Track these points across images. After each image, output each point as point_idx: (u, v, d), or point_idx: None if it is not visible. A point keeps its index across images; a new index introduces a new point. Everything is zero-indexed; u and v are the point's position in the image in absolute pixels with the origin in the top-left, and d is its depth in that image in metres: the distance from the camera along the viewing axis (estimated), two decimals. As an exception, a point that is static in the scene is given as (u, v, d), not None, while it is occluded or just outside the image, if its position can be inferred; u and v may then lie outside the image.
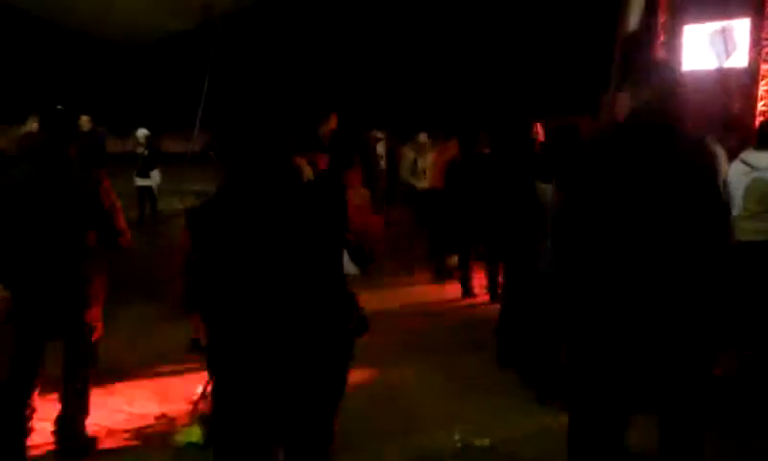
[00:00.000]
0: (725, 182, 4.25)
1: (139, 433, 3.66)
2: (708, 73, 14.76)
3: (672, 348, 2.32)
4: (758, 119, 12.04)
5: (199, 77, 13.44)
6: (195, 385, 3.83)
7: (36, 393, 3.19)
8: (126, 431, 3.66)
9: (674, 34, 15.74)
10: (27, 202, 3.06)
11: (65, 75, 20.63)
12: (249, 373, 2.11)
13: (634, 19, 13.74)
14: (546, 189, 3.98)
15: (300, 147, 2.56)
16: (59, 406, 3.33)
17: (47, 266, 3.08)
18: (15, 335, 3.04)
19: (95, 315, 3.29)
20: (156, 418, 3.83)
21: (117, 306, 3.64)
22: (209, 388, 3.66)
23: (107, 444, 3.51)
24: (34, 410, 3.18)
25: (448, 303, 6.46)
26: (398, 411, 3.94)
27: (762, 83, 13.67)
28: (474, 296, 6.53)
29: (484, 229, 5.55)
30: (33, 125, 8.54)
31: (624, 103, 2.58)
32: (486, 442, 3.53)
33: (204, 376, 3.73)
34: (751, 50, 13.93)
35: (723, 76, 13.49)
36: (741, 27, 14.04)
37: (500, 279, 5.63)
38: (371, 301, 5.63)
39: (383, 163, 11.56)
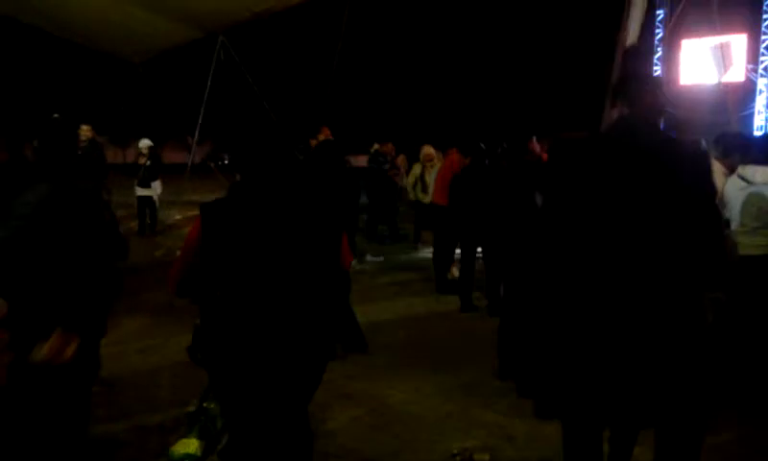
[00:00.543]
0: (722, 197, 4.28)
1: (136, 445, 3.65)
2: (705, 87, 14.84)
3: (656, 357, 2.29)
4: (756, 133, 12.10)
5: (199, 89, 13.50)
6: (192, 396, 3.82)
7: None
8: (122, 443, 3.65)
9: (672, 49, 15.85)
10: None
11: (69, 87, 20.71)
12: (245, 361, 2.34)
13: (633, 35, 13.82)
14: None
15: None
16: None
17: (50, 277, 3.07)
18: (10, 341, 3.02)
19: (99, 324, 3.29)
20: (153, 429, 3.81)
21: (114, 316, 3.63)
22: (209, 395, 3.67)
23: (104, 455, 3.49)
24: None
25: (448, 317, 6.46)
26: (397, 426, 3.93)
27: (759, 97, 13.74)
28: (475, 309, 6.52)
29: (485, 241, 5.56)
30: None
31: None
32: (486, 457, 3.50)
33: (199, 386, 3.74)
34: (747, 65, 14.02)
35: (720, 90, 13.54)
36: (738, 42, 14.13)
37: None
38: (369, 313, 5.68)
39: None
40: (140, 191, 10.82)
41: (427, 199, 8.62)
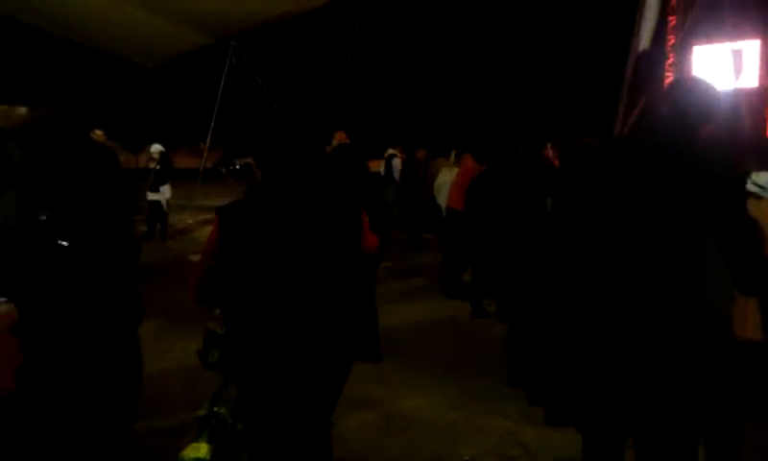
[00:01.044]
0: None
1: (146, 448, 3.65)
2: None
3: (661, 363, 2.27)
4: (770, 140, 11.97)
5: (211, 95, 13.57)
6: (202, 400, 3.83)
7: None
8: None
9: (684, 54, 15.77)
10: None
11: (82, 91, 20.90)
12: (268, 368, 2.30)
13: (645, 40, 13.77)
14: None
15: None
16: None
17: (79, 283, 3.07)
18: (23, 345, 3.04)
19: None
20: (163, 433, 3.82)
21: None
22: (228, 395, 3.67)
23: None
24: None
25: (459, 322, 6.44)
26: (408, 432, 3.91)
27: (773, 103, 13.63)
28: (487, 315, 6.50)
29: (501, 247, 5.53)
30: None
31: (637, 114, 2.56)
32: (496, 464, 3.49)
33: (209, 390, 3.74)
34: (761, 70, 13.91)
35: (733, 96, 13.46)
36: (751, 48, 14.04)
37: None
38: (380, 318, 5.66)
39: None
40: (150, 196, 10.89)
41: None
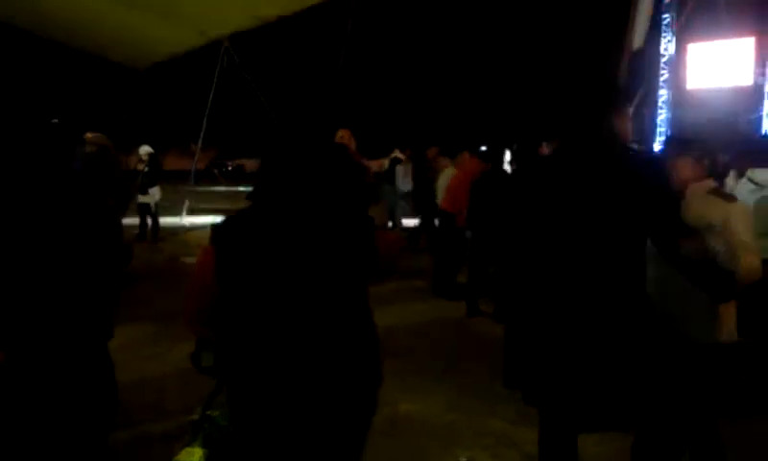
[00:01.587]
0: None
1: (140, 453, 3.61)
2: (712, 91, 14.78)
3: (615, 359, 2.34)
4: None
5: (203, 96, 13.52)
6: (196, 404, 3.78)
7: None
8: (126, 451, 3.61)
9: (679, 52, 15.81)
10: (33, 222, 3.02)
11: (72, 94, 20.82)
12: (266, 395, 1.97)
13: (639, 39, 13.80)
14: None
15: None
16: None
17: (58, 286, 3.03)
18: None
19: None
20: (157, 437, 3.77)
21: (116, 323, 3.60)
22: (214, 402, 3.62)
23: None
24: None
25: (455, 323, 6.41)
26: (405, 433, 3.88)
27: (767, 101, 13.67)
28: (482, 314, 6.47)
29: (499, 247, 5.51)
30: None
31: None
32: (492, 464, 3.46)
33: (204, 394, 3.69)
34: (755, 68, 13.95)
35: (728, 94, 13.52)
36: (746, 45, 14.08)
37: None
38: (376, 319, 5.62)
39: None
40: (139, 198, 10.81)
41: None
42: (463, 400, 4.35)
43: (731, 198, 2.91)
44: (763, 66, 13.79)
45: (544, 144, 4.94)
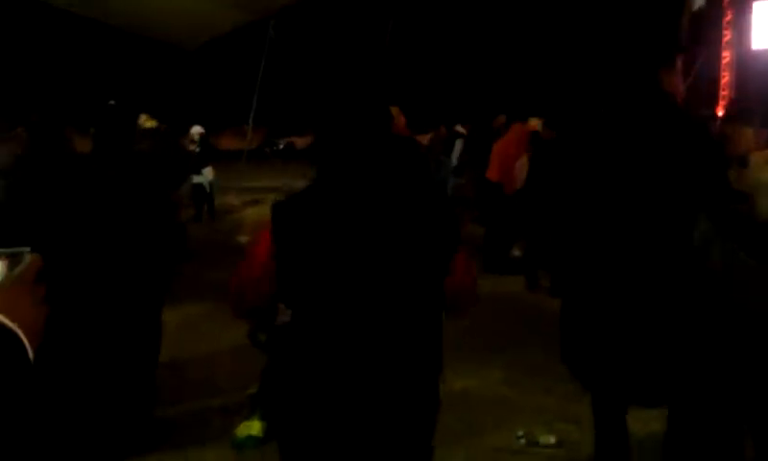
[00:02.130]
0: None
1: (199, 427, 3.69)
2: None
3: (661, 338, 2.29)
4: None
5: (251, 75, 13.63)
6: (253, 379, 3.84)
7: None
8: (185, 425, 3.70)
9: (742, 11, 15.03)
10: (93, 203, 3.09)
11: (127, 76, 21.32)
12: (326, 384, 1.74)
13: (700, -3, 13.18)
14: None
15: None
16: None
17: (116, 260, 3.11)
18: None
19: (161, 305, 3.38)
20: (216, 412, 3.85)
21: (174, 301, 3.69)
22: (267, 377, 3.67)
23: (167, 436, 3.54)
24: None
25: (512, 297, 6.31)
26: (460, 410, 3.84)
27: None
28: (540, 288, 6.35)
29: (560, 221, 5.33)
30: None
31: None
32: (551, 439, 3.41)
33: (259, 370, 3.74)
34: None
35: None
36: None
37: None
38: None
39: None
40: (193, 178, 10.99)
41: None
42: (519, 376, 4.29)
43: None
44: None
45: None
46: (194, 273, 6.84)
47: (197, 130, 11.11)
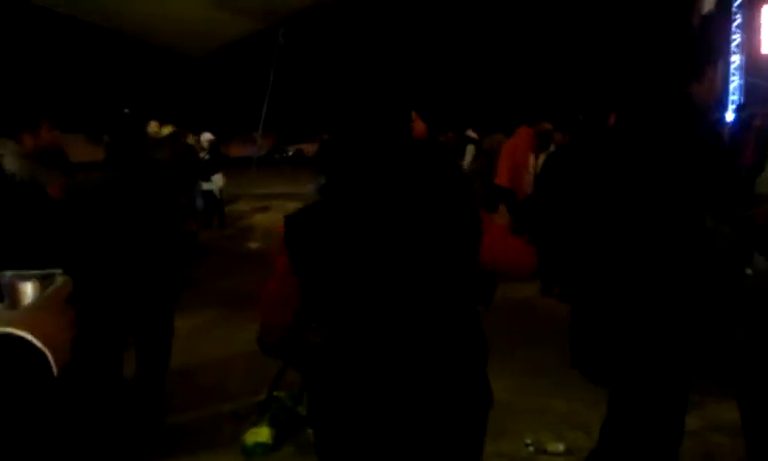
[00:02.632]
0: None
1: (208, 433, 3.71)
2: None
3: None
4: None
5: (263, 81, 13.70)
6: (263, 385, 3.86)
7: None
8: (195, 431, 3.72)
9: (752, 14, 14.95)
10: (103, 202, 3.13)
11: (136, 83, 21.48)
12: (354, 398, 1.70)
13: (710, 1, 13.11)
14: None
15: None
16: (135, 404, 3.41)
17: (126, 264, 3.15)
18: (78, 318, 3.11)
19: (172, 311, 3.41)
20: (225, 418, 3.87)
21: (183, 307, 3.71)
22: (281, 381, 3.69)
23: (176, 443, 3.56)
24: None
25: (521, 300, 6.30)
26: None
27: None
28: (553, 293, 6.32)
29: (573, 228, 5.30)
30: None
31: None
32: (560, 447, 3.40)
33: (269, 376, 3.76)
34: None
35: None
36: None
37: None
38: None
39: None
40: (203, 185, 11.04)
41: None
42: (528, 381, 4.28)
43: None
44: None
45: (613, 115, 4.75)
46: (204, 279, 6.89)
47: (207, 137, 11.17)
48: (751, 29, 14.83)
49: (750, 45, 15.08)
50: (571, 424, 3.67)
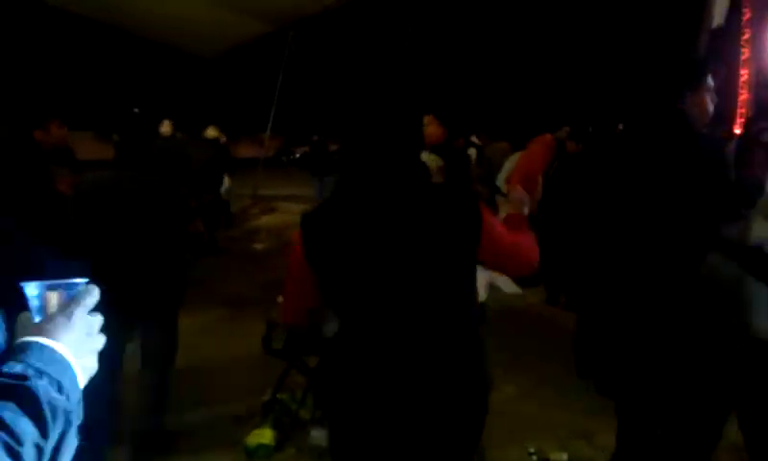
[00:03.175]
0: None
1: (211, 434, 3.72)
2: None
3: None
4: None
5: (271, 84, 13.74)
6: (266, 387, 3.86)
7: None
8: (197, 432, 3.72)
9: (761, 29, 14.94)
10: (110, 202, 3.14)
11: (147, 83, 21.57)
12: (364, 398, 1.82)
13: (719, 16, 13.11)
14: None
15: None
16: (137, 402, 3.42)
17: (132, 263, 3.16)
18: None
19: (177, 311, 3.42)
20: (228, 419, 3.88)
21: (188, 307, 3.72)
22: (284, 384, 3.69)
23: (179, 443, 3.57)
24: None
25: (528, 310, 6.30)
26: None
27: None
28: (559, 303, 6.32)
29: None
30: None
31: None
32: (563, 456, 3.39)
33: (273, 377, 3.77)
34: None
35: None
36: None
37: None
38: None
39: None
40: None
41: None
42: (532, 390, 4.28)
43: None
44: None
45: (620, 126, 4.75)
46: (209, 279, 6.90)
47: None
48: (759, 43, 14.81)
49: (757, 60, 15.07)
50: (574, 433, 3.67)
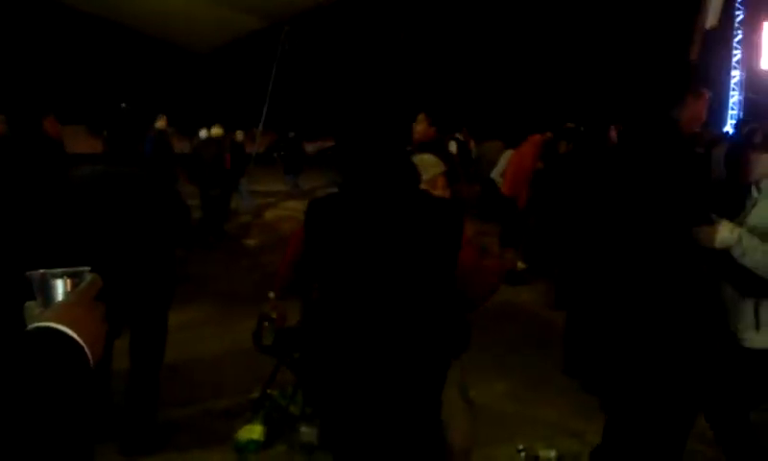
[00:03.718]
0: None
1: (201, 429, 3.72)
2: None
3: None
4: None
5: (264, 79, 13.69)
6: (256, 382, 3.86)
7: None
8: (188, 427, 3.72)
9: (753, 30, 15.01)
10: (97, 198, 3.13)
11: (141, 78, 21.48)
12: (342, 371, 1.99)
13: (712, 17, 13.16)
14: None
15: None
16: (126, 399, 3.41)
17: (121, 260, 3.15)
18: None
19: (167, 307, 3.41)
20: (218, 414, 3.87)
21: (178, 302, 3.71)
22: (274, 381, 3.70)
23: (168, 438, 3.56)
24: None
25: (515, 309, 6.31)
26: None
27: None
28: (549, 301, 6.35)
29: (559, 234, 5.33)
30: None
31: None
32: (552, 453, 3.41)
33: (263, 373, 3.77)
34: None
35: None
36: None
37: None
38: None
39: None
40: None
41: None
42: (521, 389, 4.30)
43: None
44: None
45: (613, 127, 4.75)
46: (200, 275, 6.89)
47: (204, 133, 11.15)
48: (751, 45, 14.90)
49: (750, 61, 15.15)
50: (564, 430, 3.69)
